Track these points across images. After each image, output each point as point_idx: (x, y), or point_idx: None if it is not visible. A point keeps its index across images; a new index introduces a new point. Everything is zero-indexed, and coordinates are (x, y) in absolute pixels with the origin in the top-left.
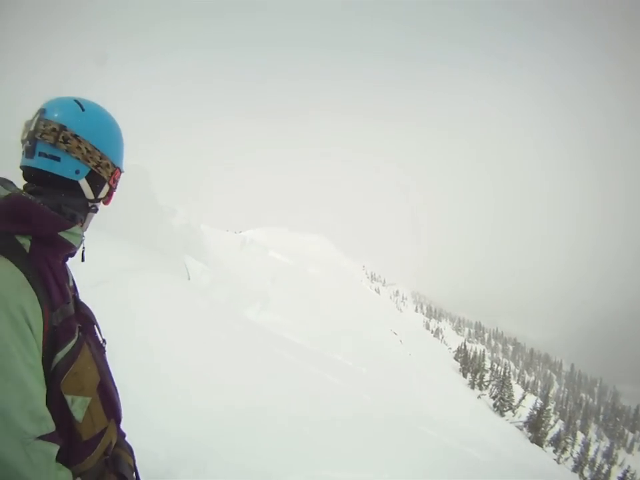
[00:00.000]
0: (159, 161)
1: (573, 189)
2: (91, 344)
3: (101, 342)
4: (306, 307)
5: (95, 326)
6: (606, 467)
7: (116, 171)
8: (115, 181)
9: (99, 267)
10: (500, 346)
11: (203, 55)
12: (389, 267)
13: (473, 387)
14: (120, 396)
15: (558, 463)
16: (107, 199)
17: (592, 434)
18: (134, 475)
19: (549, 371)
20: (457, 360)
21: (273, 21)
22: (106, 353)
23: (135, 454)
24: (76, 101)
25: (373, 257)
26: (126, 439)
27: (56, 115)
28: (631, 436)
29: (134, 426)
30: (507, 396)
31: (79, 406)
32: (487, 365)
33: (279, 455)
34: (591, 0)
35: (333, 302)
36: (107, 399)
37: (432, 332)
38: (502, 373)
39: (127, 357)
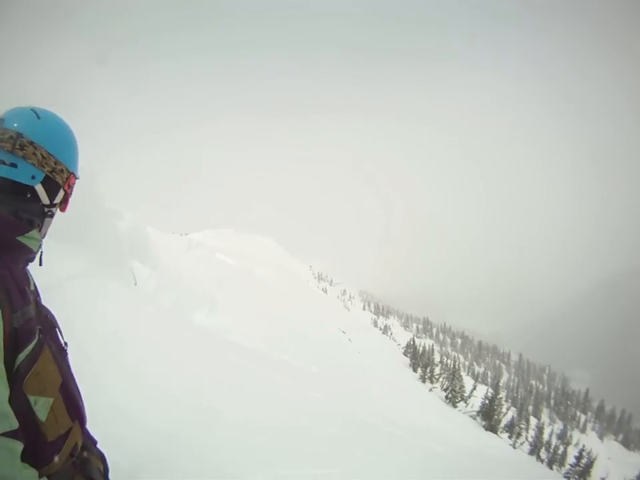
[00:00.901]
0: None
1: (521, 186)
2: (51, 346)
3: (63, 345)
4: (253, 309)
5: (57, 329)
6: (562, 447)
7: (70, 176)
8: (70, 187)
9: (44, 273)
10: (448, 340)
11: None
12: (336, 267)
13: (424, 381)
14: (83, 399)
15: (514, 447)
16: (63, 205)
17: (545, 418)
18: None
19: (497, 362)
20: (406, 355)
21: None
22: (68, 356)
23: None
24: (32, 109)
25: (321, 257)
26: (97, 446)
27: (14, 124)
28: (583, 417)
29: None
30: (458, 387)
31: (42, 406)
32: (437, 358)
33: (236, 457)
34: None
35: (280, 303)
36: (70, 400)
37: (380, 329)
38: (452, 366)
39: (74, 365)
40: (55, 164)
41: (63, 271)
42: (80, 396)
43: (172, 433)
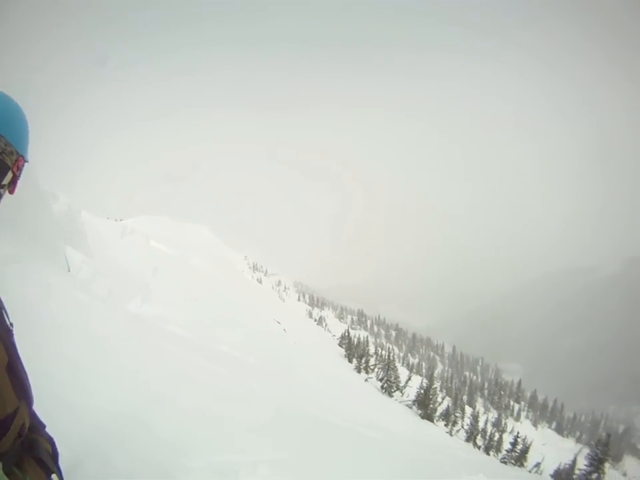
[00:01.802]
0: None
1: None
2: None
3: (8, 325)
4: (188, 298)
5: (2, 311)
6: (497, 435)
7: (20, 158)
8: (19, 169)
9: None
10: (383, 332)
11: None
12: (272, 259)
13: (359, 371)
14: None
15: (451, 435)
16: (12, 187)
17: (479, 407)
18: (54, 463)
19: (432, 353)
20: (341, 346)
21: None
22: (14, 337)
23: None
24: None
25: (256, 248)
26: (46, 429)
27: None
28: (517, 407)
29: None
30: (393, 378)
31: None
32: (372, 349)
33: (177, 445)
34: None
35: (215, 293)
36: (17, 380)
37: (315, 320)
38: (386, 357)
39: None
40: (5, 145)
41: None
42: (27, 377)
43: (109, 424)
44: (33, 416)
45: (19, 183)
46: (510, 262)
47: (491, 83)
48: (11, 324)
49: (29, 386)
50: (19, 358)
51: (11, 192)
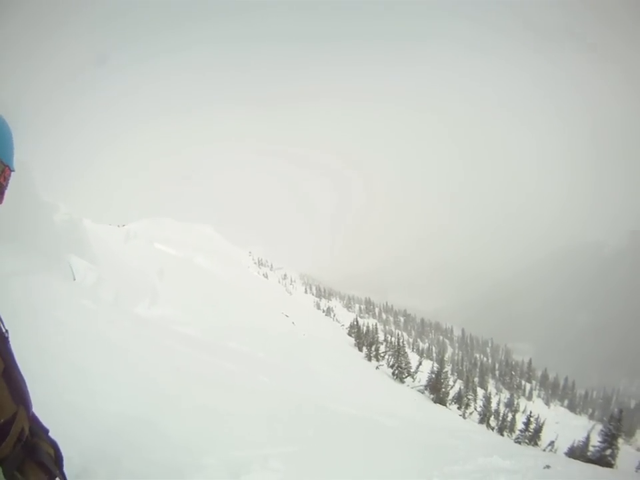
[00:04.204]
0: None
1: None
2: None
3: (4, 332)
4: (195, 298)
5: None
6: (510, 415)
7: (5, 169)
8: (6, 179)
9: None
10: (391, 318)
11: None
12: (277, 253)
13: (370, 359)
14: (28, 386)
15: (464, 418)
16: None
17: (491, 388)
18: (57, 467)
19: (441, 337)
20: (350, 335)
21: None
22: (9, 343)
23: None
24: None
25: (260, 243)
26: (50, 434)
27: None
28: (528, 386)
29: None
30: (404, 364)
31: None
32: (381, 337)
33: (188, 443)
34: None
35: (222, 291)
36: (14, 385)
37: (323, 311)
38: (396, 343)
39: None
40: None
41: (0, 269)
42: (24, 382)
43: (117, 427)
44: (35, 420)
45: (9, 193)
46: (514, 242)
47: (485, 73)
48: (6, 330)
49: (27, 391)
50: (16, 364)
51: None
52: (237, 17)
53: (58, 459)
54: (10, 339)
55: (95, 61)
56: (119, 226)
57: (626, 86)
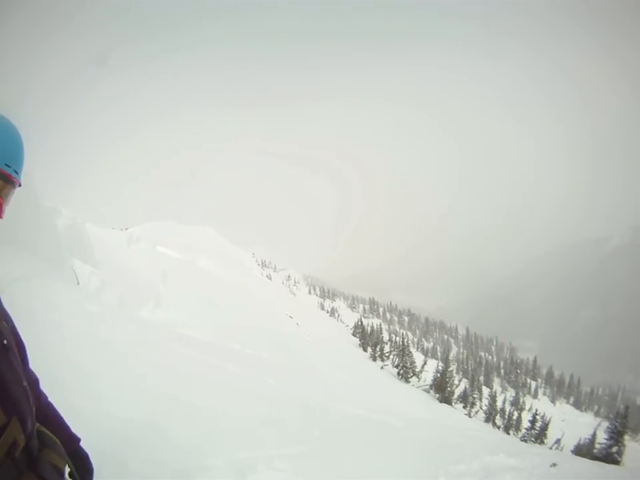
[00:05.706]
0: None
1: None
2: None
3: (3, 343)
4: (199, 300)
5: None
6: (516, 413)
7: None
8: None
9: None
10: (395, 318)
11: None
12: (280, 254)
13: (374, 359)
14: (31, 397)
15: (470, 417)
16: None
17: (496, 387)
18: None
19: (446, 336)
20: (355, 336)
21: None
22: (8, 352)
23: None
24: None
25: (263, 244)
26: (81, 444)
27: None
28: (533, 384)
29: None
30: (409, 363)
31: None
32: (385, 337)
33: (193, 445)
34: None
35: (225, 293)
36: (6, 396)
37: (327, 312)
38: (401, 343)
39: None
40: None
41: (3, 275)
42: (24, 392)
43: (121, 430)
44: (60, 430)
45: (15, 203)
46: (515, 239)
47: (484, 72)
48: (4, 343)
49: (25, 401)
50: (13, 373)
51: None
52: (237, 17)
53: (85, 471)
54: (10, 348)
55: (95, 60)
56: (121, 230)
57: (624, 82)
